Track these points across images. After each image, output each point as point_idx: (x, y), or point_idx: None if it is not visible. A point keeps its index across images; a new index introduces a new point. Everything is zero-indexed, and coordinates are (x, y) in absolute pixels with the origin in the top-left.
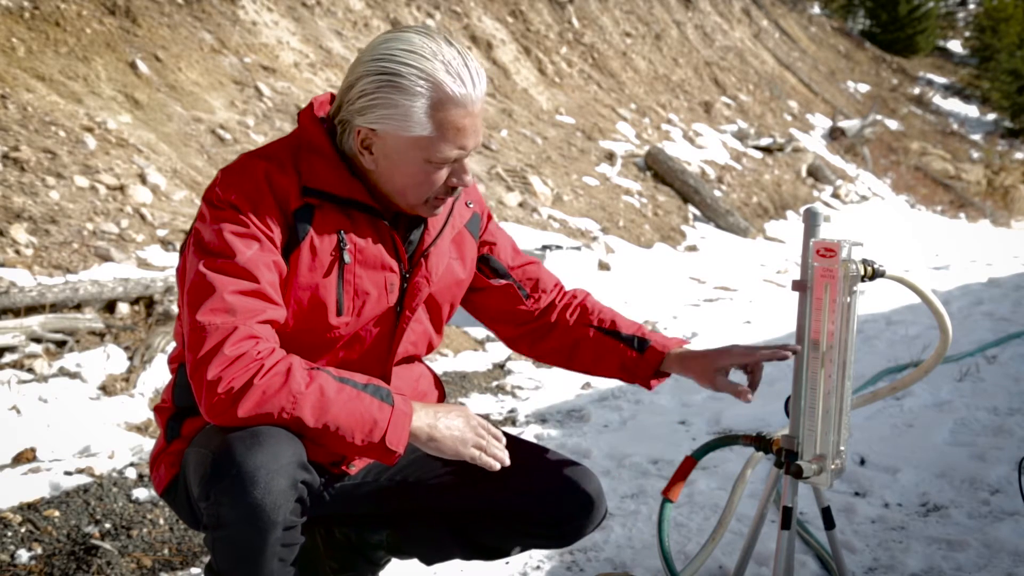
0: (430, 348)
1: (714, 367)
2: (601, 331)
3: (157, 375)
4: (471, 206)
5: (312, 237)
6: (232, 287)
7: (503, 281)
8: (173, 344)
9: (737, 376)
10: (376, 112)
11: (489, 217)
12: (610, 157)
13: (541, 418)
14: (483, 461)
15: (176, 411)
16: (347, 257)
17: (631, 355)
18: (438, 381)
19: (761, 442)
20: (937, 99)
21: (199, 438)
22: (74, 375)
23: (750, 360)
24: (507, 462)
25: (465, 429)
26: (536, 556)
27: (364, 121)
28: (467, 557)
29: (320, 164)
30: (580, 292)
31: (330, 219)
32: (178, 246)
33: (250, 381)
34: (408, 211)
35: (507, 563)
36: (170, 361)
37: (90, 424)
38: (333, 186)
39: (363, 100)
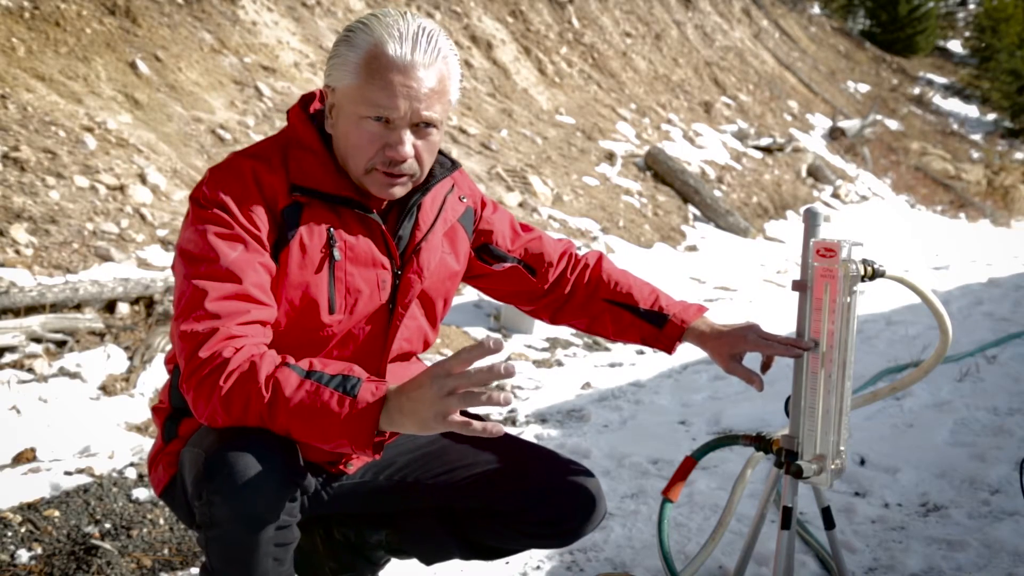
0: (426, 345)
1: (730, 352)
2: (619, 306)
3: (157, 375)
4: (464, 200)
5: (301, 235)
6: (215, 293)
7: (506, 264)
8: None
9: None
10: (329, 67)
11: (484, 205)
12: (610, 157)
13: (541, 418)
14: (471, 430)
15: (173, 411)
16: (337, 254)
17: (651, 330)
18: None
19: (761, 442)
20: (937, 99)
21: (194, 438)
22: (74, 375)
23: (766, 351)
24: (501, 431)
25: (434, 401)
26: (536, 556)
27: (325, 79)
28: (466, 557)
29: (308, 161)
30: (593, 256)
31: (319, 216)
32: None
33: (231, 388)
34: (363, 188)
35: (507, 563)
36: (166, 362)
37: (90, 424)
38: (321, 183)
39: (328, 62)
